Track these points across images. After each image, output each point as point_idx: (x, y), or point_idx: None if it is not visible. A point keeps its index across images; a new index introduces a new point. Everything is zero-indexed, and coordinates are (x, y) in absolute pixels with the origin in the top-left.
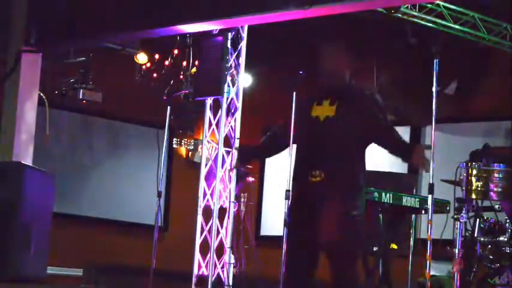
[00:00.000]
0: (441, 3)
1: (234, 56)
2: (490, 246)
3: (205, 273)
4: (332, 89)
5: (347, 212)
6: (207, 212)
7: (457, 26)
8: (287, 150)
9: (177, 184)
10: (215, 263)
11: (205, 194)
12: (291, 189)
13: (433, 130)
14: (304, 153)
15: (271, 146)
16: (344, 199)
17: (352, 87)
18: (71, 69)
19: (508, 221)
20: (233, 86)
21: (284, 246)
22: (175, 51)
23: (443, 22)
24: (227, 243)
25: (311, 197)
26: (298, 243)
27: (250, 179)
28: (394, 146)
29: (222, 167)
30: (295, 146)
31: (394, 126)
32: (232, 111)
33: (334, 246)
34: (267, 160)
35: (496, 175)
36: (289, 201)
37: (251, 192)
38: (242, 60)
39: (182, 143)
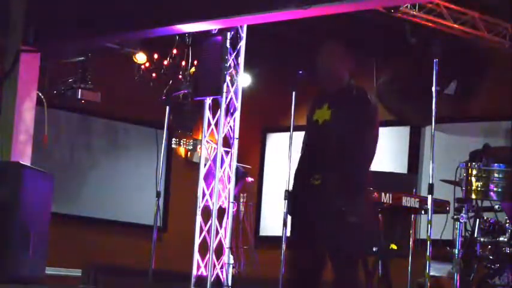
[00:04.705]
0: (441, 3)
1: (233, 55)
2: (490, 246)
3: (204, 273)
4: (331, 92)
5: (343, 215)
6: (206, 212)
7: (457, 26)
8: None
9: (176, 184)
10: (214, 263)
11: (204, 194)
12: (292, 189)
13: (433, 130)
14: (307, 155)
15: None
16: (340, 202)
17: (350, 89)
18: (70, 69)
19: (508, 221)
20: (232, 85)
21: (283, 247)
22: (174, 51)
23: (443, 22)
24: (226, 244)
25: (311, 200)
26: (299, 243)
27: (250, 179)
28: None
29: (221, 167)
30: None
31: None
32: (231, 111)
33: (332, 250)
34: (267, 160)
35: (496, 175)
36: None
37: (250, 192)
38: (241, 59)
39: (181, 143)
